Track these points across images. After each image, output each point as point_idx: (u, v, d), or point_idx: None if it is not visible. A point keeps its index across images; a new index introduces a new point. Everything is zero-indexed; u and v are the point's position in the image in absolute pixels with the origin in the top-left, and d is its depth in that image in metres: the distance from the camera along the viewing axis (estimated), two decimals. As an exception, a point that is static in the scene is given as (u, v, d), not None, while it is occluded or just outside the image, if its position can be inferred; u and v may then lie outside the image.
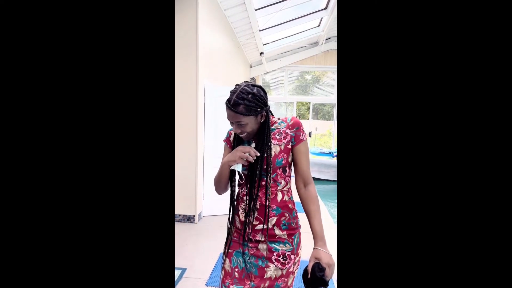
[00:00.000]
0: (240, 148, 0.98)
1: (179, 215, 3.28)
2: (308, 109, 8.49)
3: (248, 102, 0.92)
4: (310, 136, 8.38)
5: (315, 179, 7.04)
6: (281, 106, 8.32)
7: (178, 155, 3.21)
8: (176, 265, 2.32)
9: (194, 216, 3.27)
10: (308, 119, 8.38)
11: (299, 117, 8.91)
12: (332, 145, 8.62)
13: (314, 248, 0.95)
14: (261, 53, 6.47)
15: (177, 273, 2.20)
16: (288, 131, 1.01)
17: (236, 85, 0.98)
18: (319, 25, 6.49)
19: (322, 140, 9.06)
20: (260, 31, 5.50)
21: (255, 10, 4.70)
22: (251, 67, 7.47)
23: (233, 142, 1.08)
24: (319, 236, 0.95)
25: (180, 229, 3.08)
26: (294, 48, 7.36)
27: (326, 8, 5.58)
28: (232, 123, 0.97)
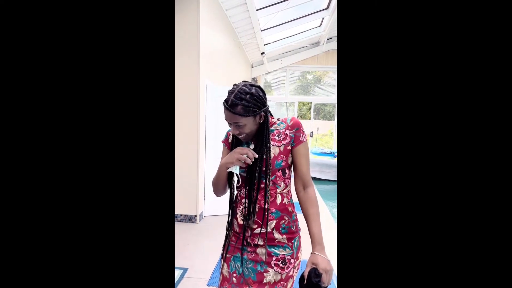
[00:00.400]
0: (238, 149, 0.95)
1: (181, 215, 3.29)
2: (310, 109, 8.49)
3: (246, 103, 0.90)
4: (312, 136, 8.38)
5: (316, 179, 7.10)
6: (283, 106, 8.32)
7: (179, 155, 3.21)
8: (178, 265, 2.32)
9: (196, 216, 3.28)
10: (310, 119, 8.37)
11: (300, 117, 8.90)
12: (333, 145, 8.61)
13: (311, 253, 0.92)
14: (262, 53, 6.47)
15: (178, 273, 2.21)
16: (287, 132, 0.98)
17: (234, 85, 0.95)
18: (320, 25, 6.48)
19: (323, 140, 9.05)
20: (261, 31, 5.50)
21: (257, 10, 4.70)
22: (252, 67, 7.47)
23: (231, 143, 1.06)
24: (317, 240, 0.92)
25: (181, 229, 3.08)
26: (296, 48, 7.35)
27: (327, 8, 5.57)
28: (230, 124, 0.94)
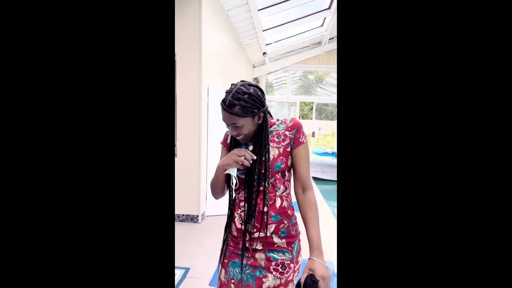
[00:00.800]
0: (235, 151, 0.92)
1: (183, 215, 3.30)
2: (311, 109, 8.48)
3: (244, 103, 0.87)
4: (313, 136, 8.37)
5: (318, 179, 7.09)
6: (284, 106, 8.31)
7: (181, 155, 3.22)
8: (180, 264, 2.33)
9: (198, 216, 3.28)
10: (311, 119, 8.37)
11: (302, 117, 8.90)
12: (335, 145, 8.60)
13: (309, 259, 0.88)
14: (264, 53, 6.47)
15: (180, 272, 2.21)
16: (287, 133, 0.95)
17: (231, 84, 0.92)
18: (322, 25, 6.47)
19: (325, 140, 9.05)
20: (263, 31, 5.50)
21: (258, 10, 4.70)
22: (254, 67, 7.47)
23: (230, 145, 1.03)
24: (315, 245, 0.88)
25: (183, 229, 3.09)
26: (297, 48, 7.35)
27: (329, 8, 5.56)
28: (228, 125, 0.92)
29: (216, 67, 3.77)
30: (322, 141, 8.98)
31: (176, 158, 3.24)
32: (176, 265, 2.32)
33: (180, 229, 3.08)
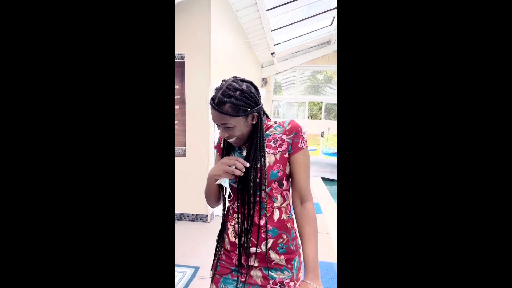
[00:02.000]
0: (225, 160, 0.81)
1: (192, 215, 3.33)
2: (320, 109, 8.44)
3: (235, 100, 0.77)
4: (322, 137, 8.32)
5: (327, 179, 7.03)
6: (293, 106, 8.29)
7: (190, 155, 3.25)
8: (189, 263, 2.36)
9: (207, 215, 3.31)
10: (320, 119, 8.32)
11: (311, 117, 8.85)
12: (344, 145, 8.51)
13: (303, 281, 0.79)
14: (272, 53, 6.47)
15: (190, 271, 2.23)
16: (284, 137, 0.85)
17: (222, 80, 0.82)
18: (331, 24, 6.43)
19: (334, 140, 8.98)
20: (271, 31, 5.50)
21: (267, 10, 4.70)
22: (262, 67, 7.48)
23: (223, 149, 0.92)
24: (311, 266, 0.79)
25: (193, 228, 3.12)
26: (306, 47, 7.32)
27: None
28: (218, 126, 0.81)
29: (225, 68, 3.79)
30: (331, 141, 8.92)
31: (185, 159, 3.28)
32: (185, 264, 2.35)
33: (189, 228, 3.11)
